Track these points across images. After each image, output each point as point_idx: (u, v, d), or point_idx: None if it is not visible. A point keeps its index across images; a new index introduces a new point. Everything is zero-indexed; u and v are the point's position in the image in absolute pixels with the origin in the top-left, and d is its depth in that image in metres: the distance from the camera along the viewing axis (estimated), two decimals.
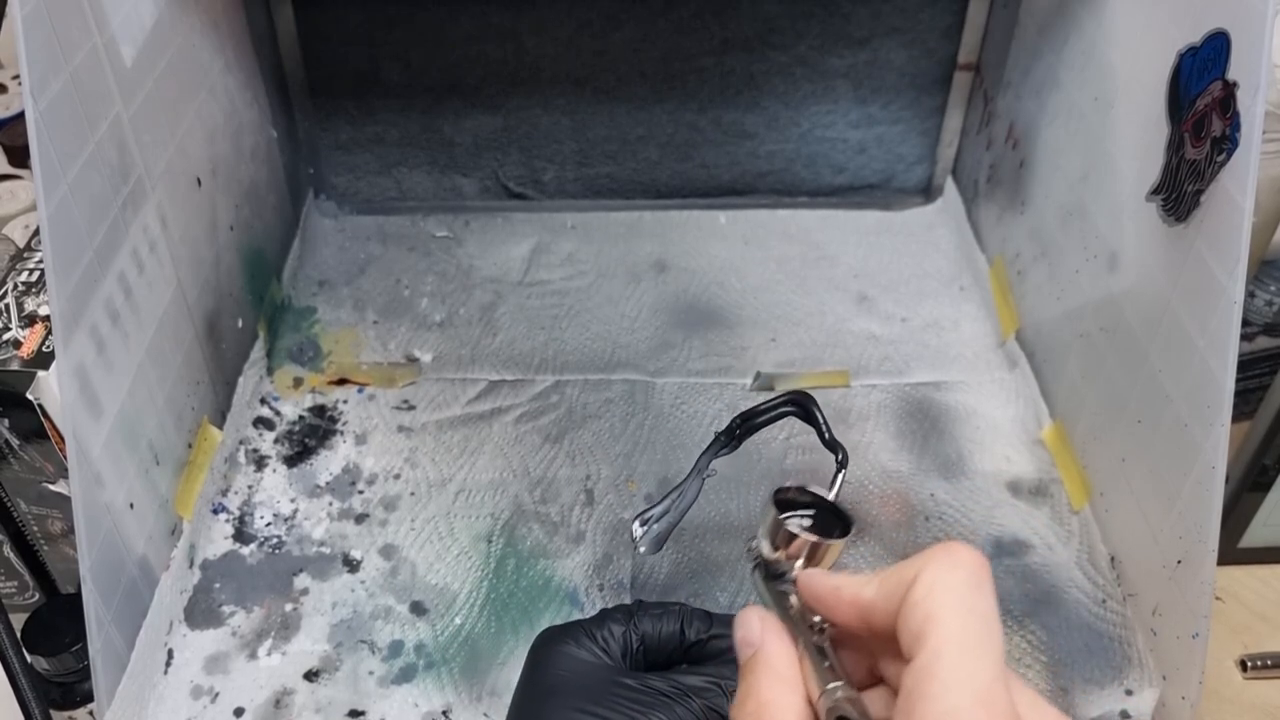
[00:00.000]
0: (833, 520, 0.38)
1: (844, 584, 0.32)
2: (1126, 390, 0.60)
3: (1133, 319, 0.60)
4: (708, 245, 0.88)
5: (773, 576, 0.37)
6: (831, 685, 0.30)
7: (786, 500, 0.38)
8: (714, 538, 0.65)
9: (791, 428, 0.72)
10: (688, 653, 0.47)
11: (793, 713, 0.30)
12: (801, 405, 0.55)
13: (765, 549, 0.37)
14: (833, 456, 0.53)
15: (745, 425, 0.56)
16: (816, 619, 0.33)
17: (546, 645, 0.45)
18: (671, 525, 0.57)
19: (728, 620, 0.47)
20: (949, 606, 0.27)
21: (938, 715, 0.26)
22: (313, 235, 0.88)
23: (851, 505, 0.66)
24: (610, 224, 0.90)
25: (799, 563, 0.37)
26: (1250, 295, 0.70)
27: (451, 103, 0.88)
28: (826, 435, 0.54)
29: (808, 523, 0.38)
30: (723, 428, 0.58)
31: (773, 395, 0.56)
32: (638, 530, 0.57)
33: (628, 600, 0.61)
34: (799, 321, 0.81)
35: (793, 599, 0.34)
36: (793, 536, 0.36)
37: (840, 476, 0.51)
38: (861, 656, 0.32)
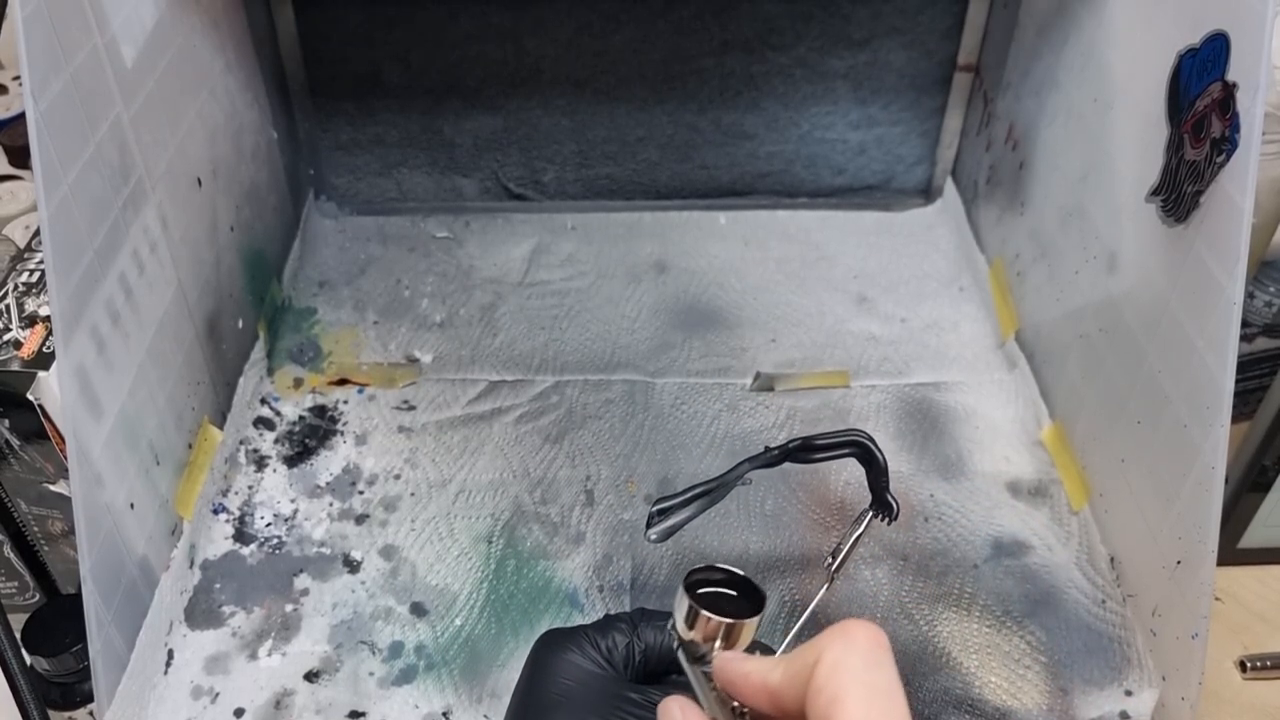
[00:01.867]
0: (746, 597, 0.38)
1: (753, 670, 0.33)
2: (1126, 391, 0.60)
3: (1132, 320, 0.60)
4: (708, 246, 0.88)
5: (694, 658, 0.38)
6: None
7: (699, 580, 0.39)
8: (714, 538, 0.65)
9: (792, 430, 0.72)
10: None
11: None
12: (863, 451, 0.54)
13: (682, 631, 0.38)
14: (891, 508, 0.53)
15: (799, 452, 0.54)
16: (735, 703, 0.34)
17: (549, 650, 0.45)
18: (687, 520, 0.56)
19: None
20: (848, 688, 0.29)
21: None
22: (313, 236, 0.88)
23: (851, 506, 0.66)
24: (610, 224, 0.90)
25: (717, 643, 0.38)
26: (1250, 296, 0.70)
27: (452, 103, 0.88)
28: (883, 484, 0.53)
29: (723, 601, 0.38)
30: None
31: (837, 431, 0.55)
32: (654, 516, 0.57)
33: (627, 601, 0.61)
34: (799, 322, 0.81)
35: (713, 681, 0.35)
36: (706, 619, 0.37)
37: (870, 519, 0.51)
38: None
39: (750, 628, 0.38)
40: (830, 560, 0.51)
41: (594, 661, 0.44)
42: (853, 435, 0.54)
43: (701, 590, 0.39)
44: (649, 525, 0.55)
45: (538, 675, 0.44)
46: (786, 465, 0.68)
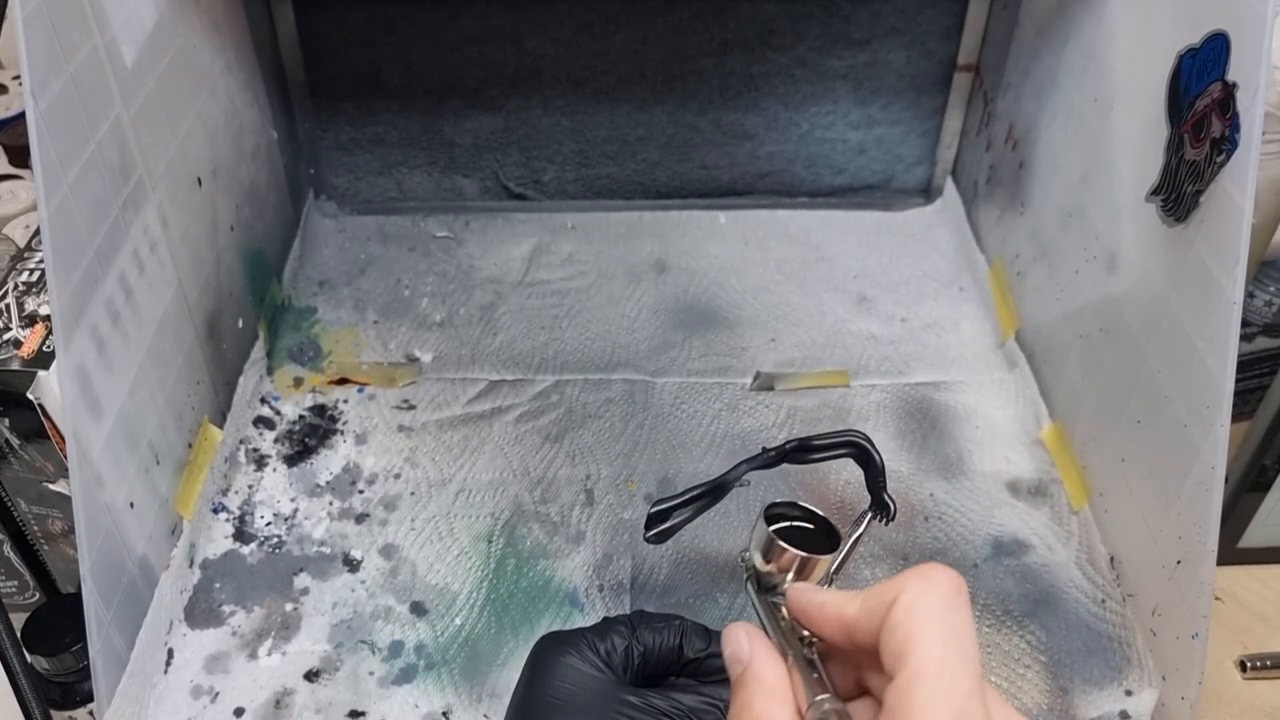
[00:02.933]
0: (822, 535, 0.39)
1: (829, 601, 0.33)
2: (1126, 391, 0.60)
3: (1132, 320, 0.60)
4: (707, 245, 0.88)
5: (765, 588, 0.38)
6: (819, 697, 0.31)
7: (778, 514, 0.39)
8: (714, 537, 0.65)
9: (792, 429, 0.72)
10: (684, 668, 0.47)
11: None
12: (860, 451, 0.54)
13: (757, 561, 0.39)
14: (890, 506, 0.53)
15: (797, 453, 0.55)
16: (805, 633, 0.34)
17: (548, 653, 0.45)
18: (685, 522, 0.56)
19: None
20: (926, 627, 0.29)
21: None
22: (313, 235, 0.88)
23: (851, 505, 0.66)
24: (610, 224, 0.90)
25: (789, 576, 0.38)
26: (1250, 295, 0.70)
27: (451, 103, 0.88)
28: (879, 484, 0.53)
29: (796, 538, 0.39)
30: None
31: (834, 432, 0.55)
32: (653, 518, 0.56)
33: (627, 601, 0.61)
34: (799, 322, 0.81)
35: (783, 610, 0.35)
36: (782, 551, 0.37)
37: (869, 520, 0.51)
38: (848, 668, 0.34)
39: (824, 564, 0.38)
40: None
41: (593, 665, 0.44)
42: (850, 436, 0.55)
43: (778, 523, 0.39)
44: (648, 527, 0.55)
45: (537, 679, 0.44)
46: (786, 465, 0.69)
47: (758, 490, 0.67)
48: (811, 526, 0.39)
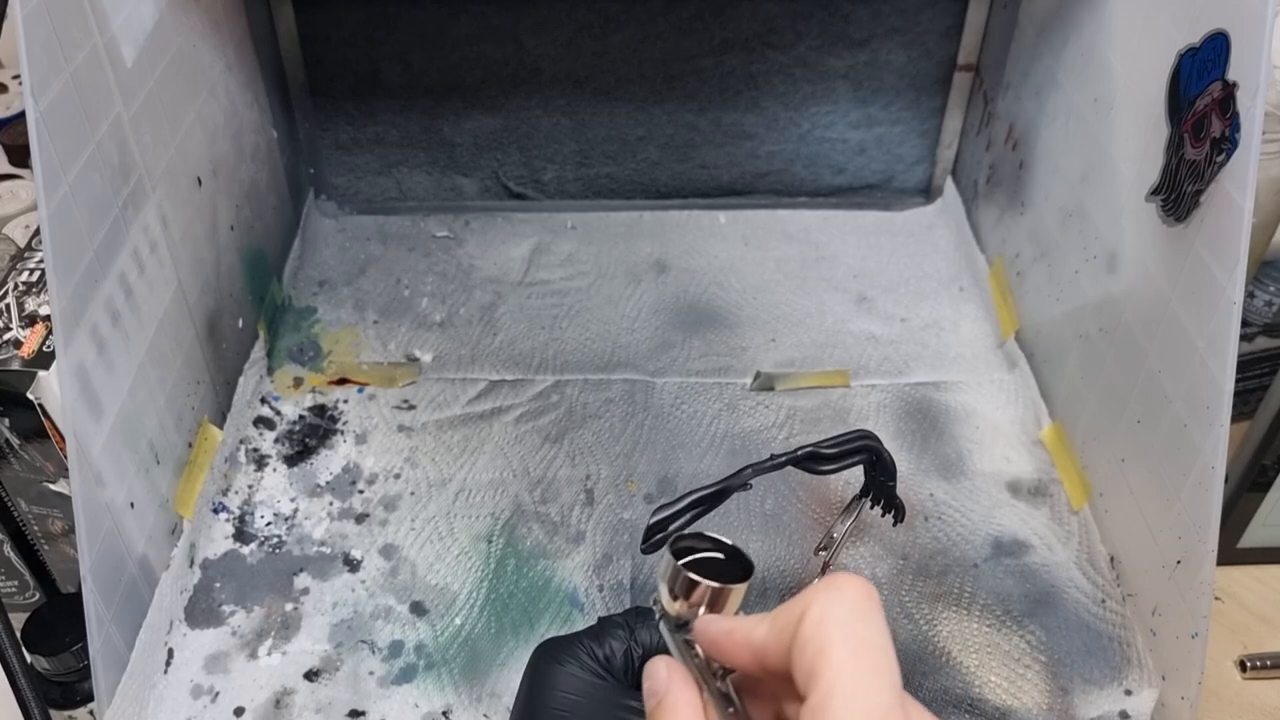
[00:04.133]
0: (734, 564, 0.37)
1: (736, 627, 0.32)
2: (1126, 391, 0.60)
3: (1132, 320, 0.60)
4: (707, 245, 0.88)
5: (678, 627, 0.37)
6: None
7: (686, 548, 0.38)
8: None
9: (792, 429, 0.72)
10: None
11: None
12: (875, 456, 0.52)
13: (665, 600, 0.37)
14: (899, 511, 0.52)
15: (808, 461, 0.53)
16: (719, 666, 0.33)
17: (547, 663, 0.45)
18: (682, 529, 0.55)
19: None
20: (837, 640, 0.28)
21: None
22: (313, 235, 0.88)
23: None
24: (610, 224, 0.90)
25: (702, 610, 0.36)
26: (1250, 295, 0.70)
27: (451, 103, 0.88)
28: (890, 486, 0.52)
29: (707, 569, 0.37)
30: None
31: (842, 436, 0.53)
32: (650, 528, 0.56)
33: (627, 600, 0.61)
34: (799, 322, 0.81)
35: (696, 647, 0.34)
36: (693, 584, 0.36)
37: (860, 508, 0.50)
38: (767, 702, 0.32)
39: (738, 594, 0.36)
40: (823, 550, 0.51)
41: (593, 672, 0.44)
42: (859, 441, 0.53)
43: (687, 558, 0.37)
44: (645, 539, 0.54)
45: (537, 690, 0.44)
46: (790, 467, 0.69)
47: (756, 491, 0.67)
48: (722, 556, 0.37)
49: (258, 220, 0.77)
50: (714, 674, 0.33)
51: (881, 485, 0.53)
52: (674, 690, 0.33)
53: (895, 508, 0.52)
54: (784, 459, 0.54)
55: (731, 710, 0.31)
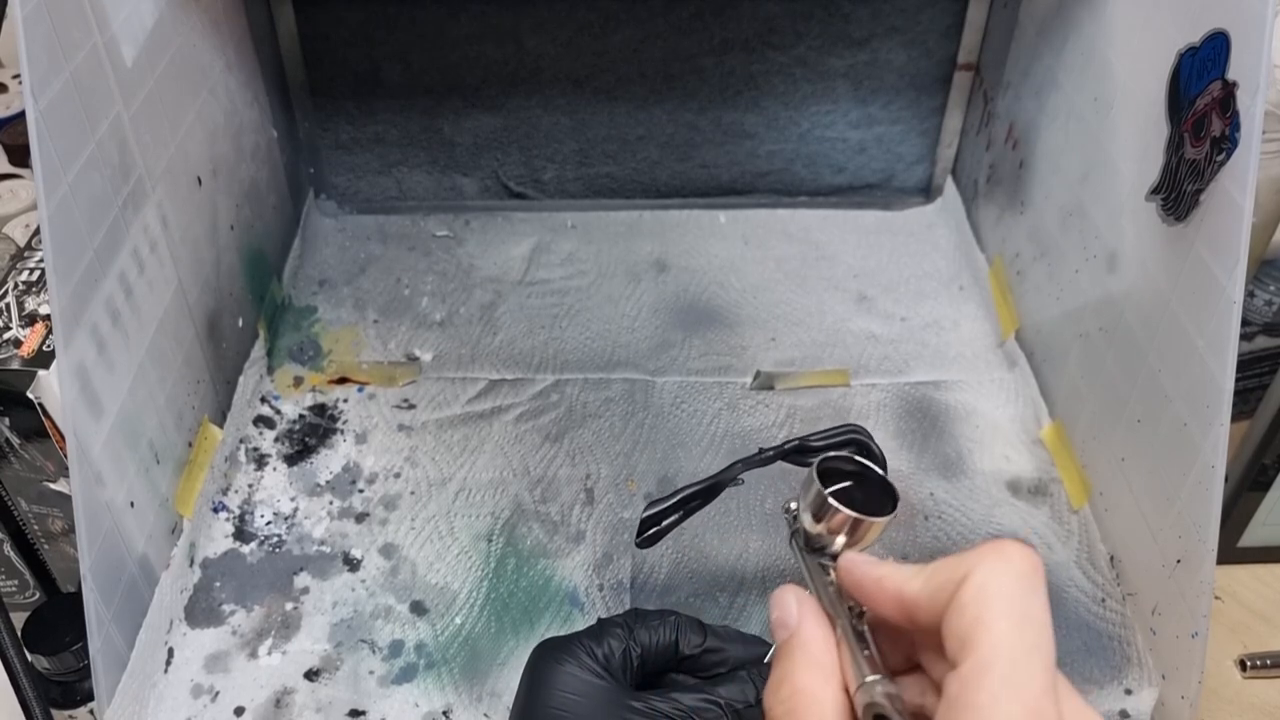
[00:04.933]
0: (878, 494, 0.36)
1: (888, 575, 0.30)
2: (1126, 390, 0.60)
3: (1132, 319, 0.60)
4: (708, 245, 0.88)
5: (813, 550, 0.35)
6: (870, 679, 0.28)
7: (831, 469, 0.36)
8: (713, 537, 0.65)
9: (792, 428, 0.72)
10: (680, 664, 0.47)
11: (830, 704, 0.29)
12: (862, 445, 0.52)
13: (806, 521, 0.35)
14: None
15: (796, 454, 0.53)
16: (854, 603, 0.31)
17: (546, 663, 0.45)
18: (674, 525, 0.56)
19: (721, 633, 0.47)
20: (1000, 611, 0.26)
21: None
22: (313, 235, 0.88)
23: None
24: (610, 223, 0.90)
25: (840, 538, 0.35)
26: (1250, 295, 0.70)
27: (451, 103, 0.88)
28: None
29: (849, 497, 0.35)
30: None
31: (831, 429, 0.53)
32: (644, 522, 0.55)
33: (627, 600, 0.61)
34: (799, 321, 0.81)
35: (832, 575, 0.33)
36: (835, 511, 0.34)
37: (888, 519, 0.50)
38: (900, 641, 0.31)
39: (879, 527, 0.35)
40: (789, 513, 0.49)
41: (592, 672, 0.44)
42: (848, 434, 0.53)
43: (831, 480, 0.36)
44: (639, 533, 0.54)
45: (536, 690, 0.44)
46: (788, 465, 0.69)
47: (756, 490, 0.67)
48: (865, 484, 0.36)
49: (258, 220, 0.77)
50: (848, 609, 0.31)
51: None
52: (806, 625, 0.31)
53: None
54: (772, 453, 0.54)
55: (867, 653, 0.29)
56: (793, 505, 0.37)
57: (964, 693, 0.25)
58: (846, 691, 0.29)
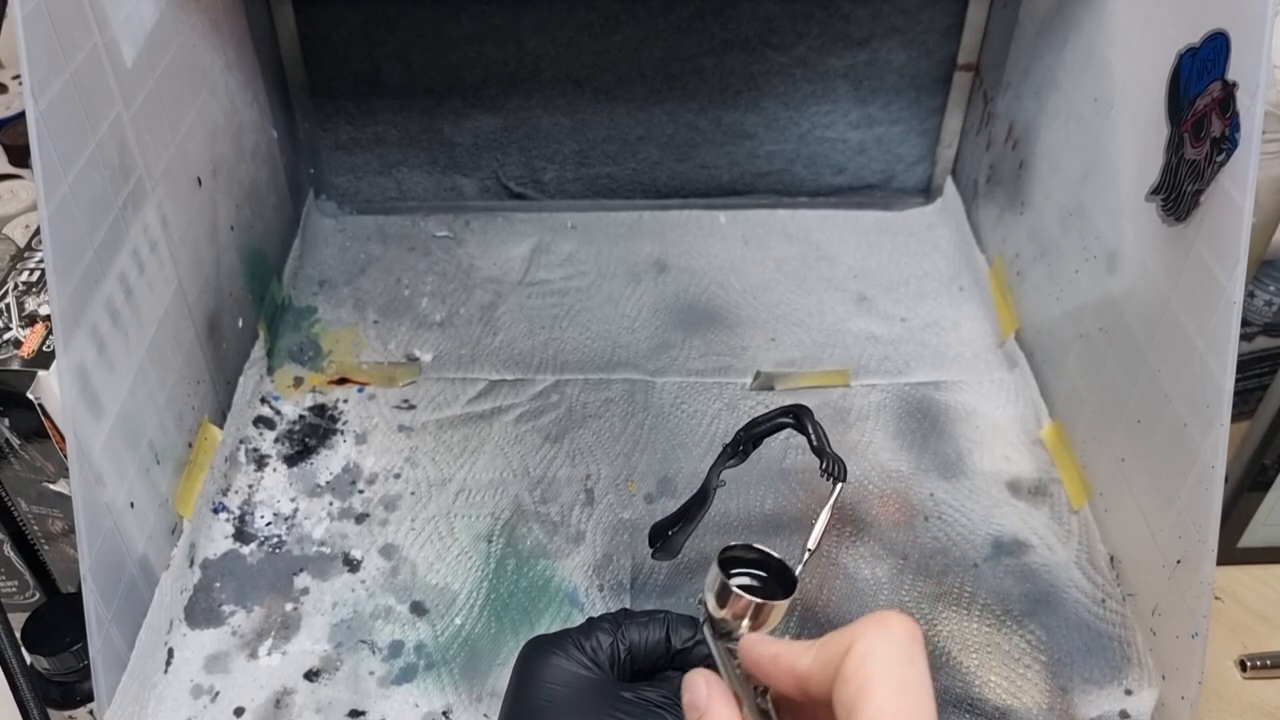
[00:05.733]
0: (777, 580, 0.38)
1: (782, 653, 0.33)
2: (1126, 390, 0.60)
3: (1132, 319, 0.60)
4: (708, 245, 0.88)
5: (721, 634, 0.38)
6: None
7: (733, 557, 0.39)
8: (714, 538, 0.65)
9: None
10: (673, 660, 0.47)
11: None
12: (796, 418, 0.55)
13: (711, 608, 0.38)
14: (836, 463, 0.53)
15: (749, 436, 0.56)
16: (759, 683, 0.34)
17: (536, 656, 0.45)
18: (687, 535, 0.57)
19: None
20: (879, 679, 0.28)
21: None
22: (313, 235, 0.88)
23: (851, 506, 0.66)
24: (610, 224, 0.90)
25: (744, 622, 0.37)
26: (1250, 295, 0.70)
27: (451, 103, 0.88)
28: (815, 445, 0.54)
29: (751, 582, 0.38)
30: (728, 439, 0.58)
31: (774, 409, 0.56)
32: (655, 538, 0.59)
33: (627, 600, 0.61)
34: (799, 321, 0.81)
35: (738, 658, 0.35)
36: (737, 598, 0.37)
37: (836, 489, 0.51)
38: (804, 717, 0.33)
39: (780, 610, 0.37)
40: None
41: (580, 664, 0.44)
42: (787, 411, 0.55)
43: (735, 568, 0.38)
44: (654, 554, 0.57)
45: (525, 682, 0.44)
46: (787, 465, 0.69)
47: (755, 490, 0.67)
48: (765, 573, 0.39)
49: (258, 220, 0.77)
50: (755, 689, 0.34)
51: (816, 450, 0.54)
52: (714, 706, 0.33)
53: (825, 468, 0.53)
54: (728, 446, 0.56)
55: None
56: (701, 597, 0.39)
57: None
58: None
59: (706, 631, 0.39)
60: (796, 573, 0.39)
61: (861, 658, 0.29)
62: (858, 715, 0.28)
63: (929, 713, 0.28)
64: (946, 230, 0.90)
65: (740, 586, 0.38)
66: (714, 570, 0.38)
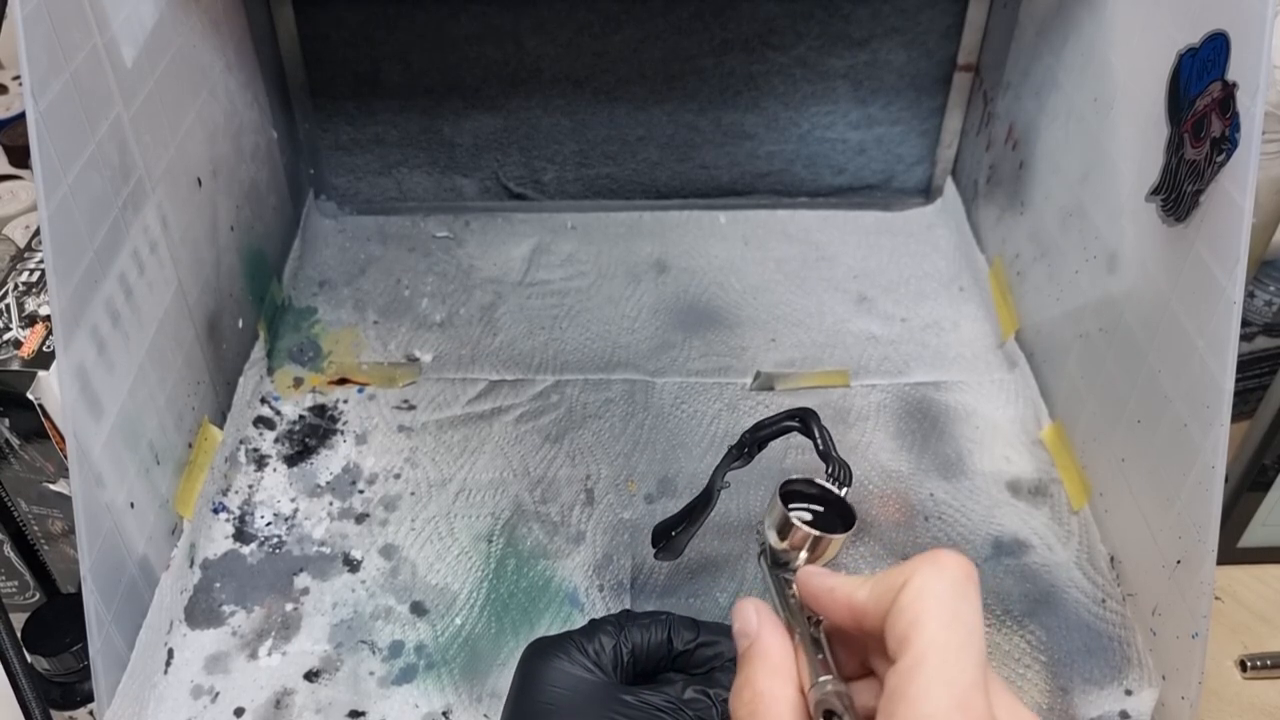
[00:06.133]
0: (836, 514, 0.39)
1: (839, 585, 0.33)
2: (1126, 390, 0.60)
3: (1132, 319, 0.60)
4: (708, 245, 0.88)
5: (778, 564, 0.38)
6: (823, 678, 0.31)
7: (794, 491, 0.39)
8: (714, 538, 0.65)
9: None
10: (675, 661, 0.47)
11: (786, 703, 0.31)
12: (803, 422, 0.55)
13: (771, 538, 0.39)
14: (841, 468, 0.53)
15: (754, 439, 0.56)
16: (811, 613, 0.34)
17: (538, 659, 0.45)
18: (690, 535, 0.58)
19: (714, 628, 0.47)
20: (933, 613, 0.29)
21: (916, 718, 0.27)
22: (313, 235, 0.88)
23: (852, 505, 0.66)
24: (610, 224, 0.90)
25: (802, 554, 0.38)
26: (1250, 295, 0.70)
27: (451, 103, 0.88)
28: (821, 449, 0.54)
29: (810, 516, 0.39)
30: (733, 441, 0.58)
31: (780, 412, 0.56)
32: (658, 539, 0.59)
33: (628, 600, 0.61)
34: (799, 322, 0.81)
35: (794, 588, 0.36)
36: (795, 529, 0.38)
37: (842, 495, 0.51)
38: (855, 649, 0.34)
39: (837, 543, 0.38)
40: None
41: (583, 666, 0.44)
42: (794, 414, 0.56)
43: (794, 503, 0.39)
44: (657, 553, 0.58)
45: (527, 685, 0.44)
46: (787, 465, 0.69)
47: (755, 491, 0.67)
48: (824, 509, 0.40)
49: (258, 220, 0.77)
50: (807, 619, 0.34)
51: (823, 455, 0.54)
52: (765, 633, 0.33)
53: (831, 473, 0.53)
54: (734, 450, 0.57)
55: (820, 657, 0.32)
56: (760, 527, 0.40)
57: (900, 685, 0.28)
58: (803, 693, 0.32)
59: (762, 562, 0.39)
60: (857, 513, 0.40)
61: (917, 591, 0.29)
62: (909, 646, 0.28)
63: (979, 648, 0.28)
64: (946, 230, 0.90)
65: (800, 520, 0.38)
66: (776, 502, 0.39)
